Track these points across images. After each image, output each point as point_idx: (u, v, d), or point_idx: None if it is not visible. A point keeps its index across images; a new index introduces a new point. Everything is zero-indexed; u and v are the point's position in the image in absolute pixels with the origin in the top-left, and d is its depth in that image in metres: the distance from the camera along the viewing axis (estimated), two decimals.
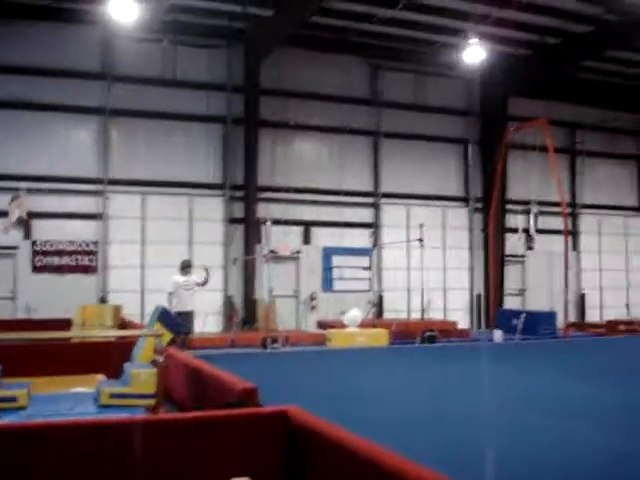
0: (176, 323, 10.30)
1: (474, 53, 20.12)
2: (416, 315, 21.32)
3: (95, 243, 19.47)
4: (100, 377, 9.74)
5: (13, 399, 7.78)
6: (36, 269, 18.91)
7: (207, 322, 19.31)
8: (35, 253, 18.92)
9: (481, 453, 6.75)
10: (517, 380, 11.92)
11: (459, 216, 24.12)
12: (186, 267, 14.76)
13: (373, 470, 4.18)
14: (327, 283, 21.59)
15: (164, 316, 10.03)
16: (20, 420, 7.25)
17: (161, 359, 8.43)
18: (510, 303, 24.22)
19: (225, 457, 5.24)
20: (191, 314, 14.36)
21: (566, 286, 20.62)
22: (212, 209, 20.62)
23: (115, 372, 9.25)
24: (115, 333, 13.56)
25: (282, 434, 5.43)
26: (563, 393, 10.52)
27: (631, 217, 27.94)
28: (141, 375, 8.24)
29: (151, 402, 8.26)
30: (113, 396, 8.14)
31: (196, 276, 15.07)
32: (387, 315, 22.15)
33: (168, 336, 10.08)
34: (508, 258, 24.44)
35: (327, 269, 21.57)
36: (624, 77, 25.24)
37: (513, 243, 24.40)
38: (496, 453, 6.61)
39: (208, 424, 5.30)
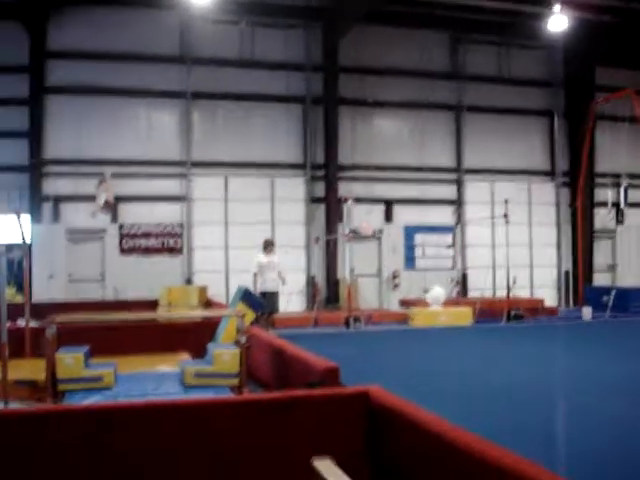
0: (259, 303, 10.32)
1: (557, 22, 19.40)
2: (502, 293, 20.89)
3: (180, 225, 19.80)
4: (185, 356, 9.87)
5: (99, 379, 7.94)
6: (124, 251, 19.36)
7: (290, 302, 19.41)
8: (122, 236, 19.37)
9: (545, 434, 6.55)
10: (603, 361, 11.55)
11: (545, 191, 23.47)
12: (269, 246, 14.65)
13: (454, 452, 4.07)
14: (409, 261, 21.39)
15: (247, 296, 10.07)
16: (106, 399, 7.41)
17: (244, 339, 8.48)
18: (599, 280, 23.50)
19: (306, 438, 5.20)
20: (276, 294, 14.30)
21: None
22: (293, 189, 20.66)
23: (200, 352, 9.35)
24: (197, 314, 13.70)
25: (364, 414, 5.36)
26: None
27: None
28: (224, 355, 8.28)
29: (235, 381, 8.31)
30: (197, 375, 8.21)
31: (278, 256, 15.05)
32: (471, 293, 21.81)
33: (251, 316, 10.13)
34: (597, 233, 23.67)
35: (409, 247, 21.37)
36: None
37: (602, 218, 23.62)
38: (561, 439, 6.42)
39: (289, 404, 5.26)
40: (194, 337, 10.53)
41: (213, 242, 19.92)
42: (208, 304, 16.21)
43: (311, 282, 20.48)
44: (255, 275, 14.18)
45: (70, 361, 8.06)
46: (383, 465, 5.15)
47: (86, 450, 4.78)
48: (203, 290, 16.80)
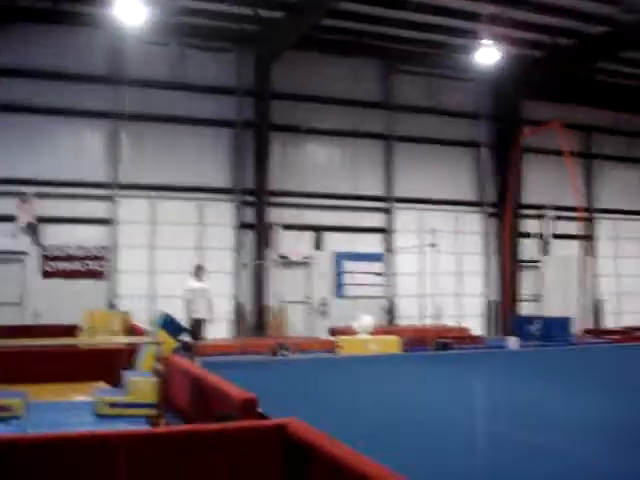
0: (179, 329, 10.04)
1: (487, 55, 19.76)
2: (429, 322, 20.95)
3: (105, 248, 19.27)
4: (102, 385, 9.49)
5: (7, 408, 7.54)
6: (46, 274, 18.73)
7: (218, 328, 19.04)
8: (45, 258, 18.74)
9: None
10: (525, 391, 11.59)
11: (473, 221, 23.75)
12: (199, 270, 14.35)
13: None
14: (339, 289, 21.29)
15: (167, 323, 9.79)
16: (14, 430, 7.03)
17: (161, 367, 8.19)
18: (525, 309, 23.81)
19: (220, 472, 4.98)
20: (203, 321, 13.97)
21: (581, 292, 20.24)
22: (222, 214, 20.37)
23: (119, 380, 9.00)
24: (112, 340, 13.31)
25: (281, 448, 5.16)
26: (564, 405, 10.17)
27: None
28: (139, 383, 7.99)
29: (151, 412, 8.00)
30: (112, 405, 7.89)
31: (209, 282, 14.75)
32: (400, 322, 21.80)
33: (171, 344, 9.83)
34: (523, 264, 24.03)
35: (339, 274, 21.27)
36: (637, 78, 24.79)
37: (528, 248, 24.01)
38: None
39: (201, 438, 5.03)
40: (114, 365, 10.16)
41: (139, 266, 19.43)
42: (132, 330, 15.76)
43: (238, 309, 20.15)
44: (188, 301, 13.79)
45: None
46: None
47: None
48: (126, 316, 16.36)
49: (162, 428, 7.02)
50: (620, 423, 8.72)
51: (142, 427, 7.17)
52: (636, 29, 19.35)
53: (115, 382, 9.25)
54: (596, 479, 6.21)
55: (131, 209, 19.52)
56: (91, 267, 19.14)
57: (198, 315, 13.66)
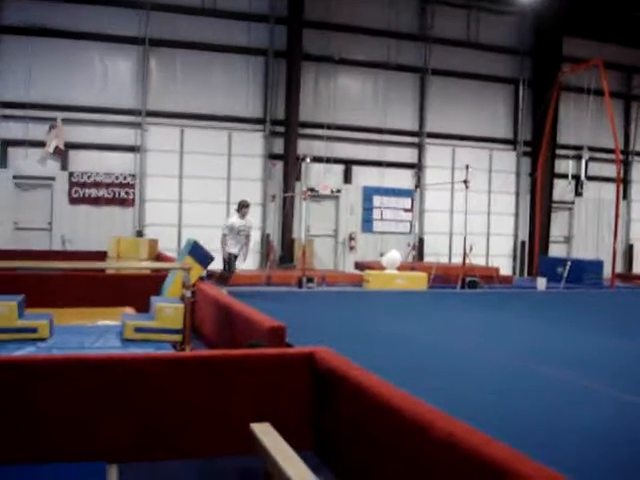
0: (207, 257, 9.92)
1: None
2: (458, 260, 20.75)
3: (133, 176, 19.19)
4: (129, 310, 9.45)
5: (33, 330, 7.51)
6: (73, 201, 18.72)
7: (249, 261, 19.02)
8: (72, 184, 18.70)
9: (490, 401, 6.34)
10: (552, 331, 11.43)
11: (506, 159, 23.30)
12: (243, 207, 13.70)
13: (396, 418, 3.80)
14: (367, 224, 21.10)
15: (195, 250, 9.68)
16: (39, 351, 7.00)
17: (189, 294, 8.11)
18: (555, 251, 23.50)
19: (247, 400, 4.89)
20: (237, 256, 13.70)
21: (615, 236, 19.87)
22: (252, 144, 20.13)
23: (147, 307, 8.94)
24: (142, 265, 13.27)
25: (308, 377, 5.06)
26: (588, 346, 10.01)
27: None
28: (166, 309, 7.90)
29: (177, 338, 7.95)
30: (138, 330, 7.83)
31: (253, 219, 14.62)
32: (428, 259, 21.63)
33: (199, 270, 9.74)
34: (555, 205, 23.61)
35: (367, 209, 21.06)
36: None
37: (562, 189, 23.55)
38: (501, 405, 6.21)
39: (229, 364, 4.92)
40: (141, 291, 10.09)
41: (166, 195, 19.36)
42: (158, 258, 15.77)
43: (266, 240, 20.09)
44: (224, 236, 13.40)
45: (3, 310, 7.62)
46: (327, 429, 4.87)
47: (14, 403, 4.41)
48: (153, 243, 16.33)
49: (188, 352, 6.95)
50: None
51: (167, 351, 7.11)
52: None
53: (143, 308, 9.20)
54: (622, 422, 6.06)
55: (160, 137, 19.36)
56: (119, 194, 19.08)
57: (232, 250, 13.41)
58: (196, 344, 8.45)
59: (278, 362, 5.11)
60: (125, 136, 19.14)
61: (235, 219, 13.54)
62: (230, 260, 13.39)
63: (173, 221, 19.39)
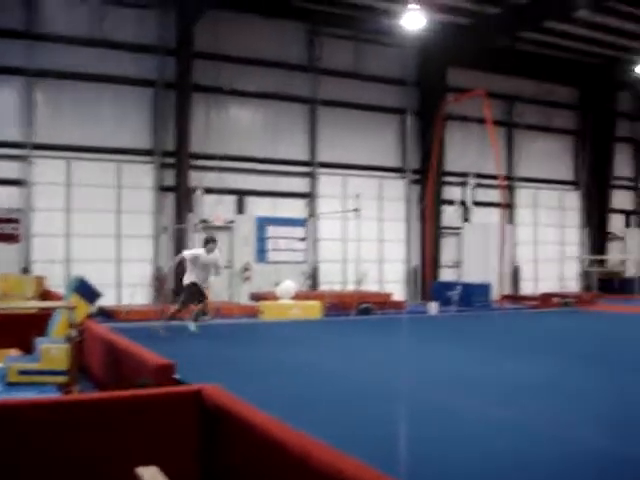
0: (95, 293, 9.66)
1: (413, 20, 19.62)
2: (352, 287, 21.02)
3: (18, 210, 18.55)
4: (13, 352, 9.10)
5: None
6: None
7: (136, 294, 18.70)
8: None
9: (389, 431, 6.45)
10: (440, 353, 11.72)
11: (396, 187, 23.85)
12: (209, 243, 13.86)
13: (280, 453, 3.80)
14: (261, 254, 21.05)
15: (81, 287, 9.42)
16: None
17: (75, 333, 7.88)
18: (446, 275, 24.13)
19: (134, 443, 4.77)
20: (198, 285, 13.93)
21: (501, 259, 20.57)
22: (142, 176, 19.85)
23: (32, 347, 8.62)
24: (26, 304, 12.82)
25: (196, 415, 4.99)
26: (478, 367, 10.33)
27: (567, 191, 28.16)
28: (52, 350, 7.66)
29: (63, 379, 7.71)
30: (22, 373, 7.56)
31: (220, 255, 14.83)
32: (323, 287, 21.79)
33: (86, 308, 9.49)
34: (444, 230, 24.30)
35: (261, 240, 21.03)
36: (561, 49, 25.19)
37: (450, 215, 24.25)
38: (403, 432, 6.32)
39: (113, 405, 4.80)
40: (27, 331, 9.73)
41: (54, 230, 18.79)
42: (46, 296, 15.26)
43: (158, 274, 19.76)
44: (180, 263, 14.21)
45: None
46: (216, 468, 4.81)
47: None
48: (40, 280, 15.83)
49: (72, 396, 6.75)
50: (535, 384, 8.86)
51: (52, 395, 6.88)
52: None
53: (28, 349, 8.88)
54: (507, 439, 6.25)
55: (46, 170, 18.81)
56: (4, 230, 18.41)
57: (192, 279, 13.74)
58: (85, 385, 8.21)
59: (164, 401, 5.02)
60: (10, 170, 18.51)
61: (202, 252, 13.84)
62: (190, 289, 13.69)
63: (62, 257, 18.83)
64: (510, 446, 6.06)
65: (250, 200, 21.24)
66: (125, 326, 13.30)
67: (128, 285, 19.16)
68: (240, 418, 4.44)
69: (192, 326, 13.86)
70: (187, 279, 13.80)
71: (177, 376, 6.59)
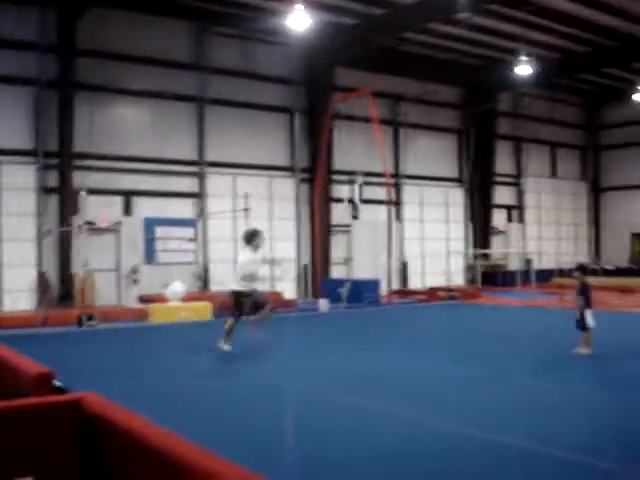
0: None
1: (300, 20, 19.68)
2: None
3: None
4: None
5: None
6: None
7: (19, 300, 18.09)
8: None
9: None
10: (333, 350, 11.89)
11: (286, 186, 23.96)
12: (250, 237, 11.85)
13: (158, 459, 3.78)
14: (150, 256, 20.74)
15: None
16: None
17: None
18: (337, 272, 24.43)
19: (8, 455, 4.62)
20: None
21: (389, 255, 21.00)
22: (23, 178, 19.14)
23: None
24: None
25: (75, 425, 4.87)
26: (367, 362, 10.56)
27: (451, 188, 29.00)
28: None
29: None
30: None
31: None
32: (215, 287, 21.65)
33: None
34: (334, 228, 24.59)
35: (150, 241, 20.71)
36: (444, 50, 25.92)
37: (339, 213, 24.55)
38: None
39: None
40: None
41: None
42: None
43: (41, 278, 19.14)
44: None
45: None
46: (96, 478, 4.73)
47: None
48: None
49: None
50: (426, 377, 9.12)
51: None
52: (442, 0, 20.08)
53: None
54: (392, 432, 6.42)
55: None
56: None
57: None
58: None
59: (42, 412, 4.89)
60: None
61: (247, 252, 11.79)
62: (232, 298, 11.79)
63: None
64: (386, 438, 6.23)
65: (138, 201, 20.86)
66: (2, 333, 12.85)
67: (10, 291, 18.51)
68: (121, 427, 4.38)
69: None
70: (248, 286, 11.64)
71: (58, 383, 6.42)
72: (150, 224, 20.66)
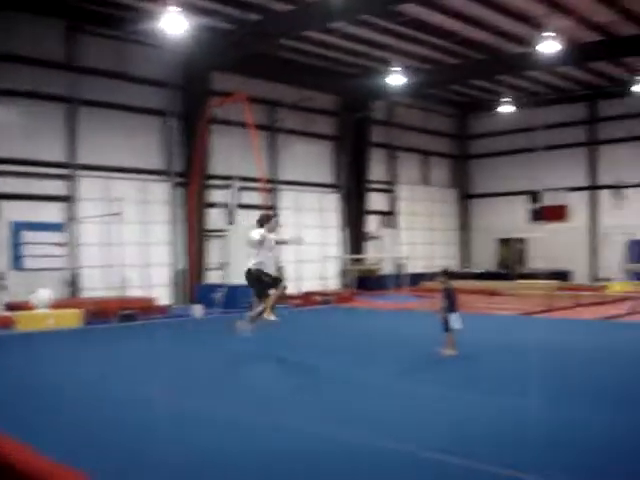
0: None
1: (176, 23, 19.39)
2: (116, 293, 20.58)
3: None
4: None
5: None
6: None
7: None
8: None
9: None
10: (196, 356, 11.89)
11: (161, 190, 23.64)
12: (263, 220, 12.31)
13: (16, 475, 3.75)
14: (17, 261, 20.03)
15: None
16: None
17: None
18: (213, 278, 24.31)
19: None
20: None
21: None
22: None
23: None
24: None
25: None
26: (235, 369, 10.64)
27: (327, 193, 29.45)
28: None
29: None
30: None
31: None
32: (86, 294, 21.12)
33: None
34: (210, 233, 24.46)
35: (17, 246, 19.99)
36: (320, 58, 26.32)
37: (214, 218, 24.44)
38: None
39: None
40: None
41: None
42: None
43: None
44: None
45: None
46: None
47: None
48: None
49: None
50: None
51: None
52: (317, 10, 20.34)
53: None
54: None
55: None
56: None
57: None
58: None
59: None
60: None
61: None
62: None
63: None
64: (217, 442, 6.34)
65: (4, 204, 20.07)
66: None
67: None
68: None
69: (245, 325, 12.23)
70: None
71: None
72: (18, 228, 19.96)
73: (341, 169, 29.80)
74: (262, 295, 11.89)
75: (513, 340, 13.64)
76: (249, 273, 11.93)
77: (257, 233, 11.88)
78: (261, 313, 11.78)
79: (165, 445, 6.31)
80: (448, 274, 12.04)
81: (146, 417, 7.54)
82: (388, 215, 32.57)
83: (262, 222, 12.21)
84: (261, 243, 11.79)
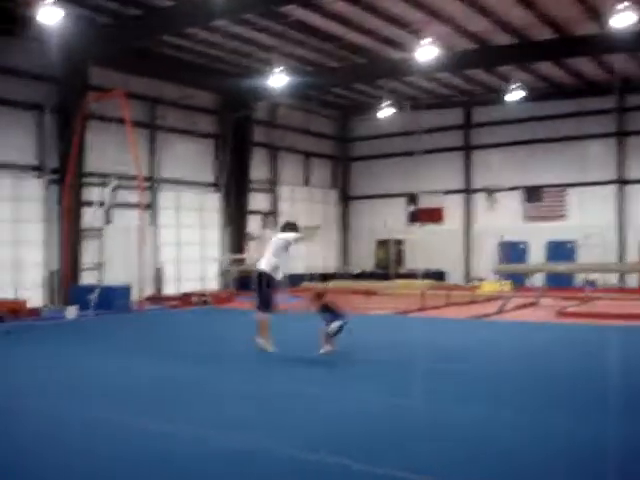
0: None
1: (52, 13, 18.59)
2: None
3: None
4: None
5: None
6: None
7: None
8: None
9: None
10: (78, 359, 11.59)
11: (34, 187, 22.75)
12: (286, 227, 12.88)
13: None
14: None
15: None
16: None
17: None
18: (88, 278, 23.60)
19: None
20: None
21: (141, 260, 20.73)
22: None
23: None
24: None
25: None
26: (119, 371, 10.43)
27: (208, 193, 29.21)
28: None
29: None
30: None
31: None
32: None
33: None
34: (86, 232, 23.71)
35: None
36: (203, 56, 26.07)
37: (90, 217, 23.71)
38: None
39: None
40: None
41: None
42: None
43: None
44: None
45: None
46: None
47: None
48: None
49: None
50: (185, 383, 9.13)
51: None
52: (199, 7, 20.12)
53: None
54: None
55: None
56: None
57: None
58: None
59: None
60: None
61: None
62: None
63: None
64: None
65: None
66: None
67: None
68: None
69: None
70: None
71: None
72: None
73: (222, 168, 29.59)
74: (269, 308, 12.31)
75: (387, 339, 13.97)
76: (260, 277, 12.29)
77: (291, 237, 12.45)
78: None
79: None
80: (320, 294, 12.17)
81: None
82: (269, 215, 32.61)
83: (292, 228, 12.74)
84: (286, 248, 12.32)
